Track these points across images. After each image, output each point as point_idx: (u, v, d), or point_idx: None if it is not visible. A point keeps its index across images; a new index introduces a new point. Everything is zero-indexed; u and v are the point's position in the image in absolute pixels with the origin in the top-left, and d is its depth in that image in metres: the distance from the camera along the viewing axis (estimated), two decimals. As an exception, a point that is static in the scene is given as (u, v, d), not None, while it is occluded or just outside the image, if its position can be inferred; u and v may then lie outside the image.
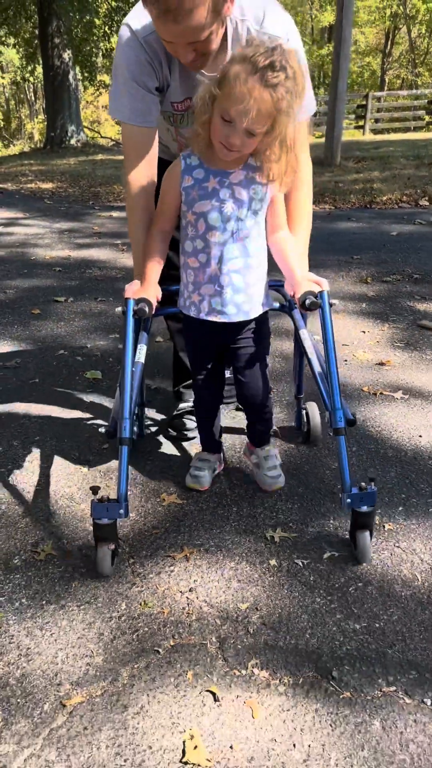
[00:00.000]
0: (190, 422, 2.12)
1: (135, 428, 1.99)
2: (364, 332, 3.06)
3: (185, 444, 2.12)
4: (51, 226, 6.01)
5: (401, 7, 28.67)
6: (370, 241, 4.96)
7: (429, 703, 1.20)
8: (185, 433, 2.13)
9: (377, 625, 1.37)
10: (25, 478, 1.93)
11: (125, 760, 1.10)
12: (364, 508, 1.49)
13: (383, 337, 3.00)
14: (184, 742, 1.13)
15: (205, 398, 1.79)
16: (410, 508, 1.76)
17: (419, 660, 1.29)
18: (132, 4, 16.58)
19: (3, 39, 18.66)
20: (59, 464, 2.00)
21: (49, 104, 16.68)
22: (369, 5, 30.53)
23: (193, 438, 2.12)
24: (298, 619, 1.39)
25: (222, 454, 1.93)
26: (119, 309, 1.58)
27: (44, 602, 1.45)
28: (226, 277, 1.54)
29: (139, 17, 1.47)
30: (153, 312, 1.57)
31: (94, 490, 1.48)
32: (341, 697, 1.21)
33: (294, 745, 1.12)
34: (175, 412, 2.19)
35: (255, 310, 1.62)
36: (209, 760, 1.10)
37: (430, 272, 4.04)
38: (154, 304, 1.58)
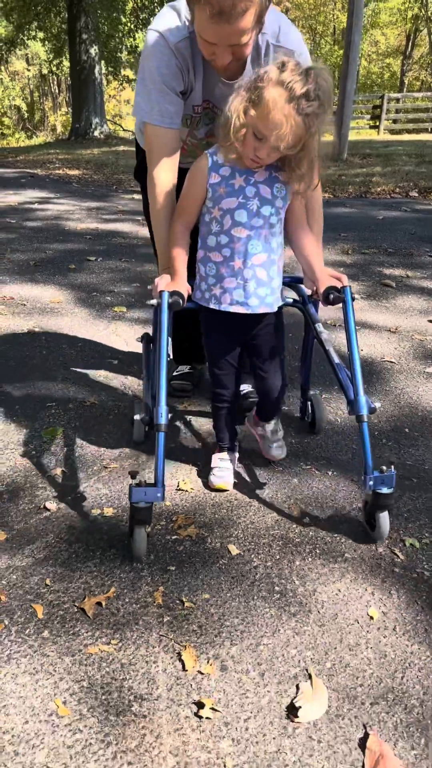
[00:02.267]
0: (188, 385, 2.41)
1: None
2: (336, 287, 3.79)
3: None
4: (80, 205, 6.80)
5: (422, 10, 29.11)
6: (358, 223, 5.69)
7: (329, 474, 1.94)
8: (186, 392, 2.39)
9: (308, 440, 2.12)
10: (72, 370, 2.69)
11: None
12: (385, 490, 1.55)
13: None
14: (178, 482, 1.88)
15: (224, 395, 1.82)
16: (343, 387, 2.50)
17: (329, 455, 2.04)
18: (156, 2, 17.37)
19: (33, 33, 19.48)
20: (96, 358, 2.75)
21: (75, 97, 17.46)
22: (391, 7, 31.02)
23: (189, 396, 2.41)
24: (255, 436, 2.14)
25: (237, 453, 1.97)
26: (153, 301, 1.59)
27: (90, 425, 2.21)
28: (250, 271, 1.58)
29: (167, 24, 1.55)
30: (185, 304, 1.62)
31: (133, 474, 1.51)
32: (276, 469, 1.96)
33: (239, 483, 1.88)
34: (175, 373, 2.44)
35: (276, 303, 1.67)
36: (192, 488, 1.85)
37: (402, 248, 4.77)
38: (186, 296, 1.61)
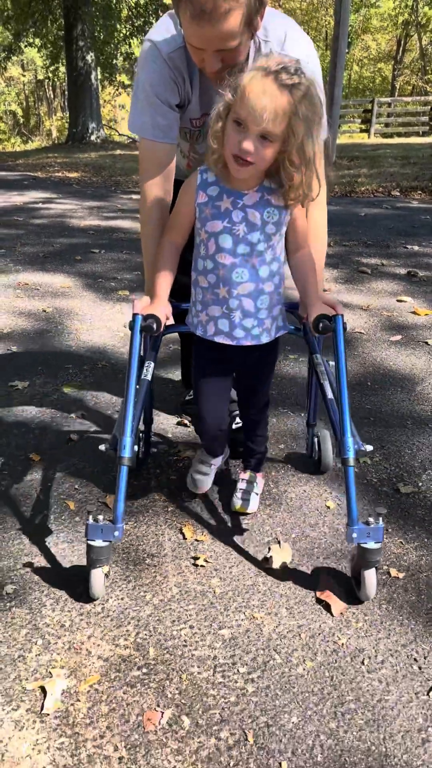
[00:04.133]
0: None
1: (142, 446, 1.96)
2: (317, 274, 4.22)
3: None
4: (82, 204, 7.22)
5: (412, 15, 29.66)
6: (341, 220, 6.13)
7: (302, 414, 2.35)
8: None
9: (285, 391, 2.53)
10: (84, 340, 3.10)
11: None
12: (371, 544, 1.40)
13: (331, 276, 4.17)
14: (178, 420, 2.29)
15: (210, 428, 1.70)
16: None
17: (302, 402, 2.45)
18: (150, 9, 17.85)
19: (30, 40, 19.95)
20: (105, 330, 3.17)
21: (72, 102, 17.91)
22: (381, 12, 31.63)
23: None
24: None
25: (225, 455, 1.89)
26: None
27: (102, 381, 2.62)
28: (236, 301, 1.47)
29: (162, 33, 1.48)
30: (161, 330, 1.51)
31: (91, 511, 1.44)
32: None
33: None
34: (187, 397, 2.29)
35: (265, 336, 1.54)
36: (190, 423, 2.26)
37: (381, 240, 5.20)
38: (164, 321, 1.51)
